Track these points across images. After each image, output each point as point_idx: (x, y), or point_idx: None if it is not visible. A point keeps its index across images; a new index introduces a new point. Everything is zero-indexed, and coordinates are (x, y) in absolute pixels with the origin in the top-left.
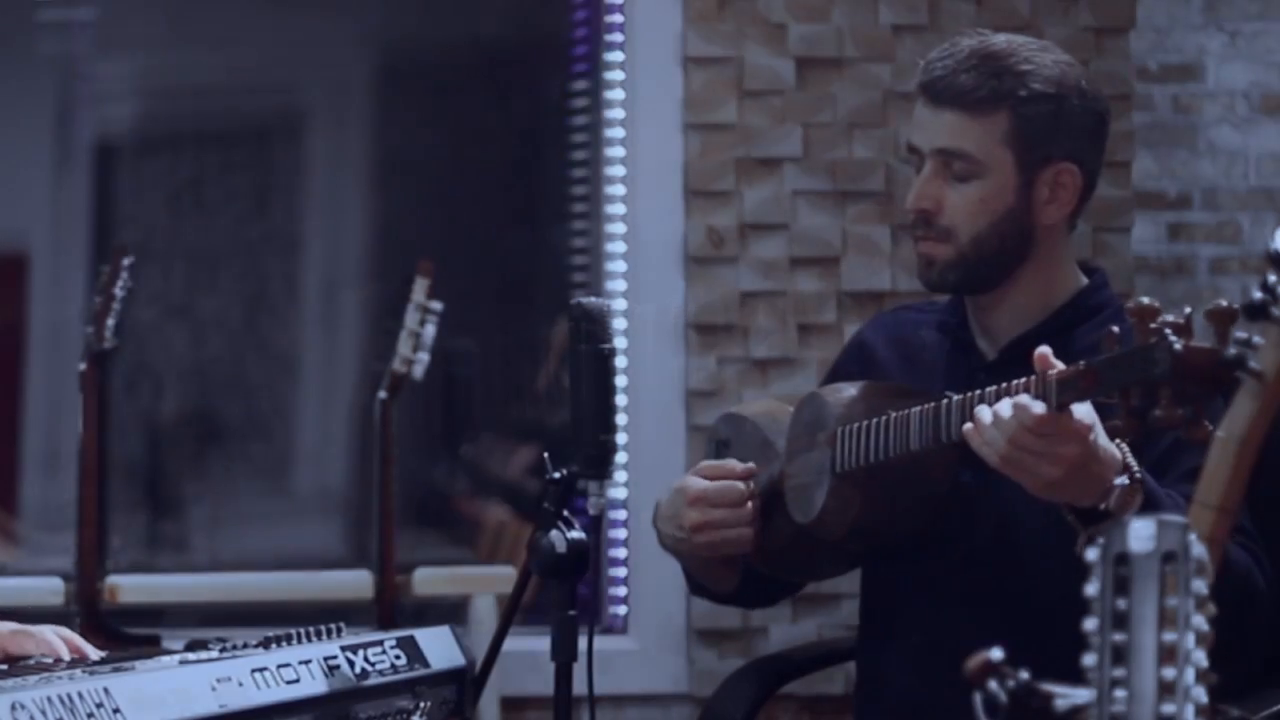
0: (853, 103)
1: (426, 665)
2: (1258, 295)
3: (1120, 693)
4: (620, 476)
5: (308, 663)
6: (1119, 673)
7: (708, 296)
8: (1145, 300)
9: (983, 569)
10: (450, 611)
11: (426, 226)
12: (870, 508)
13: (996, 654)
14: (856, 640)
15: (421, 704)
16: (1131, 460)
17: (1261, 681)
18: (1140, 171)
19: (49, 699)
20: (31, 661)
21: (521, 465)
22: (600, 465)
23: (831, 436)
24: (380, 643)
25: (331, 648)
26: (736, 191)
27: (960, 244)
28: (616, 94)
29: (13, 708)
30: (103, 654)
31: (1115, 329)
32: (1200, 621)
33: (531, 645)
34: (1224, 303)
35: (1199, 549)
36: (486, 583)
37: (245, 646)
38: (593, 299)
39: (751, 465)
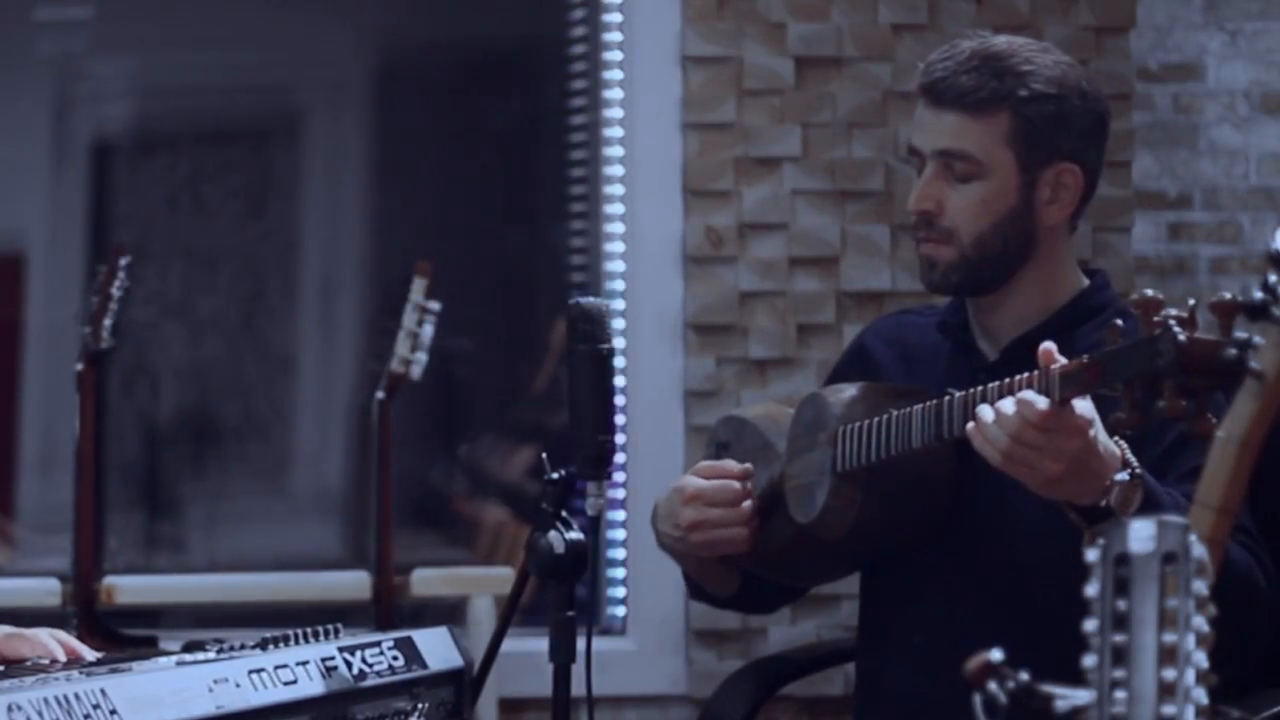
0: (852, 102)
1: (424, 666)
2: (1258, 295)
3: (1120, 694)
4: (619, 477)
5: (305, 664)
6: (1119, 674)
7: (707, 296)
8: (1149, 293)
9: (983, 569)
10: (448, 612)
11: (424, 226)
12: (872, 507)
13: (996, 655)
14: (856, 641)
15: (419, 705)
16: (1131, 457)
17: (1262, 682)
18: (1140, 171)
19: (46, 700)
20: (28, 664)
21: (520, 467)
22: (599, 466)
23: (832, 436)
24: (378, 644)
25: (329, 649)
26: (735, 191)
27: (962, 245)
28: (615, 93)
29: (9, 709)
30: (99, 655)
31: (1119, 322)
32: (1200, 622)
33: (530, 646)
34: (1228, 295)
35: (1199, 550)
36: (485, 583)
37: (242, 647)
38: (591, 299)
39: (749, 466)
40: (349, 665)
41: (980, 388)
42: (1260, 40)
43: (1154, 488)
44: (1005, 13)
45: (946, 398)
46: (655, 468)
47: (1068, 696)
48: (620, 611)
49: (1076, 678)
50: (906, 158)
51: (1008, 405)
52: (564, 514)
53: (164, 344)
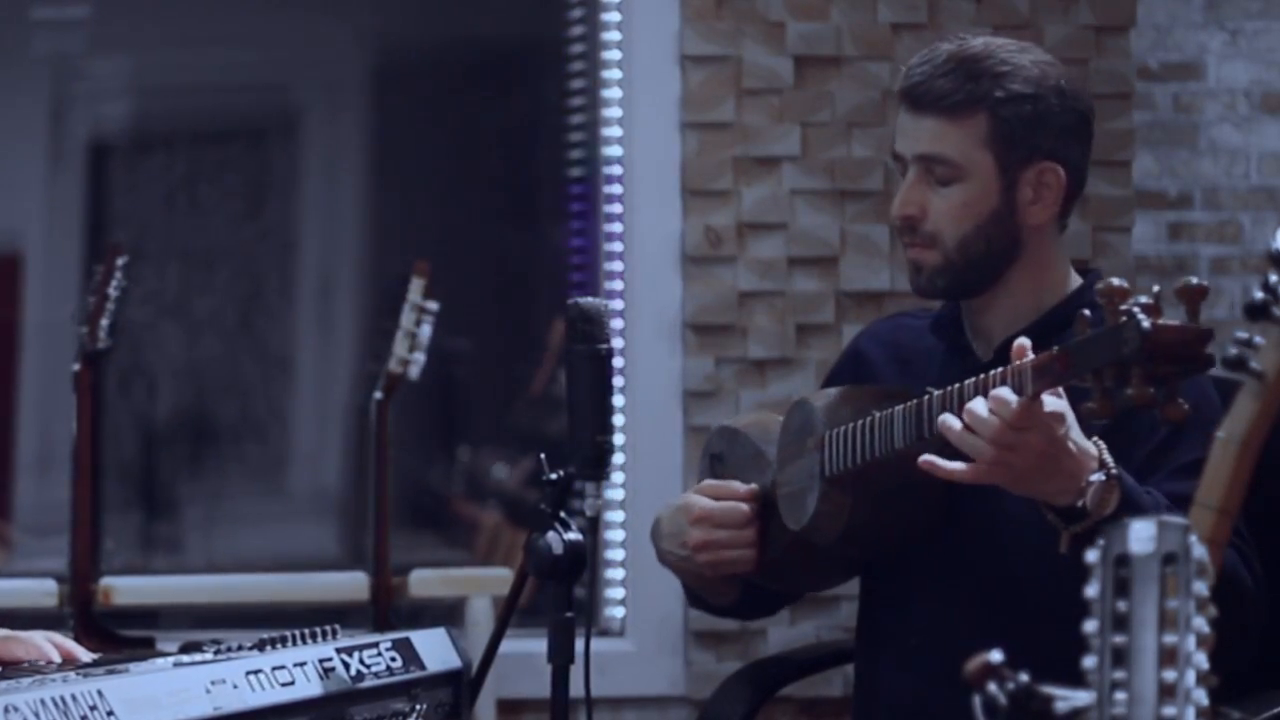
0: (852, 102)
1: (422, 667)
2: (1258, 295)
3: (1121, 695)
4: (617, 478)
5: (303, 665)
6: (1119, 675)
7: (705, 296)
8: (1115, 281)
9: (975, 569)
10: (446, 613)
11: (422, 226)
12: (862, 509)
13: (996, 656)
14: (855, 643)
15: (417, 706)
16: (1108, 458)
17: (1262, 683)
18: (1141, 171)
19: (42, 701)
20: (24, 665)
21: (517, 476)
22: (597, 466)
23: (820, 441)
24: (376, 645)
25: (327, 650)
26: (735, 191)
27: (947, 249)
28: (614, 93)
29: (6, 710)
30: (94, 657)
31: (1087, 312)
32: (1201, 623)
33: (528, 647)
34: (1194, 280)
35: (1199, 550)
36: (483, 584)
37: (240, 648)
38: (590, 299)
39: (755, 487)
40: (347, 666)
41: (958, 385)
42: (1261, 39)
43: (1132, 488)
44: (1005, 12)
45: (926, 397)
46: (654, 468)
47: (1068, 698)
48: (619, 612)
49: (1071, 677)
50: (892, 162)
51: (980, 407)
52: (562, 515)
53: (161, 344)
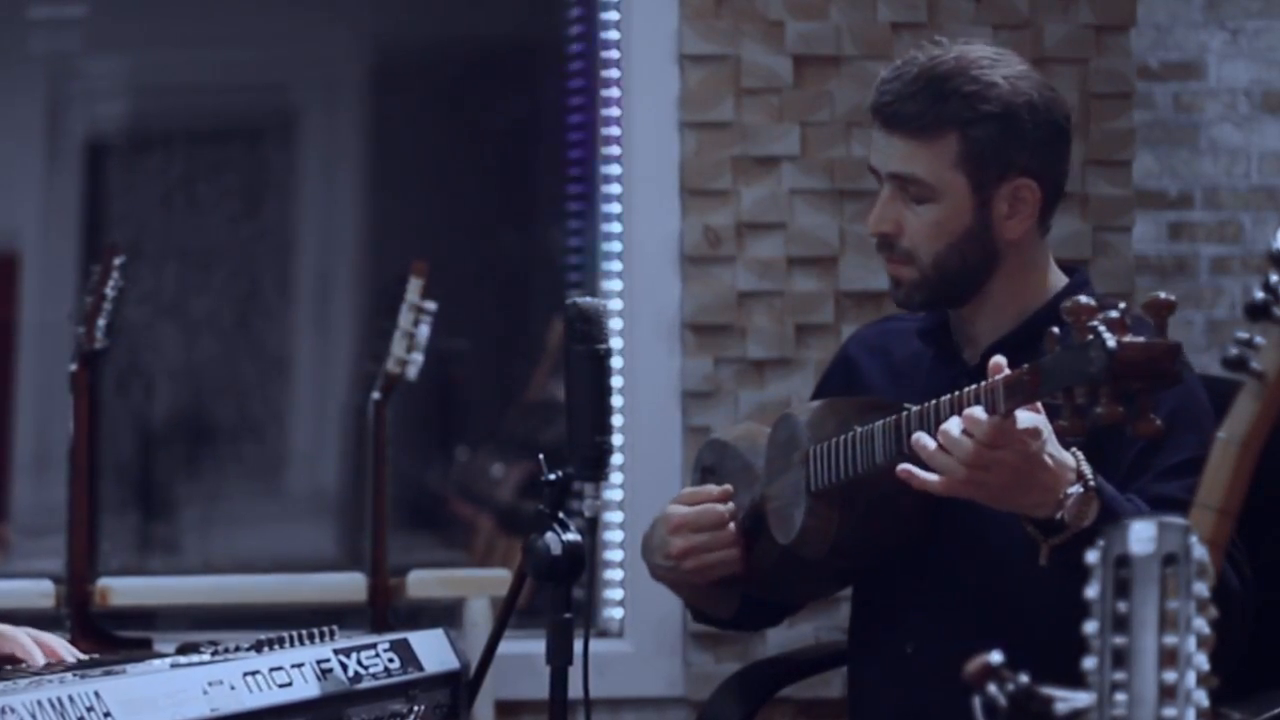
0: (851, 101)
1: (420, 668)
2: (1259, 295)
3: (1121, 696)
4: (616, 479)
5: (300, 666)
6: (1119, 676)
7: (704, 296)
8: (1082, 299)
9: (965, 578)
10: (444, 614)
11: (421, 226)
12: (849, 524)
13: (996, 657)
14: (847, 650)
15: (415, 708)
16: (1086, 469)
17: (1262, 683)
18: (1141, 170)
19: (39, 703)
20: (22, 666)
21: (510, 484)
22: (596, 467)
23: (805, 456)
24: (374, 646)
25: (324, 651)
26: (733, 190)
27: (923, 265)
28: (612, 92)
29: (3, 712)
30: (80, 657)
31: (1055, 330)
32: (1201, 624)
33: (526, 648)
34: (1161, 295)
35: (1200, 551)
36: (481, 585)
37: (237, 649)
38: (588, 299)
39: (728, 487)
40: (344, 667)
41: (933, 403)
42: (1261, 39)
43: (1111, 498)
44: (1004, 11)
45: (904, 413)
46: (653, 469)
47: (1068, 699)
48: (618, 613)
49: (1063, 683)
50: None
51: (954, 426)
52: (561, 515)
53: (158, 344)
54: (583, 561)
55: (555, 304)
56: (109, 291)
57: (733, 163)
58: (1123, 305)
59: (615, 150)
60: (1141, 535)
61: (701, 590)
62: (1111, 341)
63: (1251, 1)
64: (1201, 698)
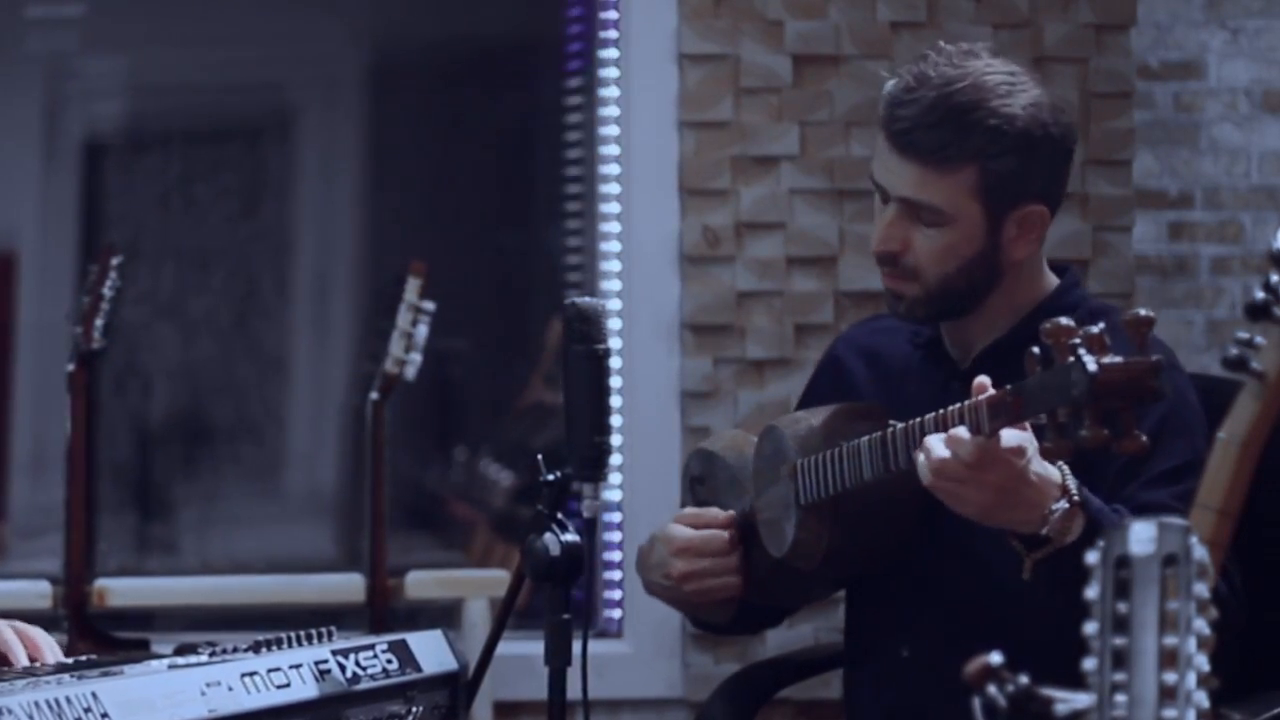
0: (850, 100)
1: (419, 669)
2: (1259, 295)
3: (1121, 697)
4: (615, 479)
5: (298, 667)
6: (1120, 677)
7: (703, 296)
8: (1062, 321)
9: (958, 585)
10: (443, 615)
11: (419, 226)
12: (839, 537)
13: (996, 658)
14: (843, 654)
15: (414, 709)
16: (1071, 483)
17: (1263, 684)
18: (1141, 170)
19: (36, 704)
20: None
21: (506, 491)
22: (595, 467)
23: (793, 469)
24: (372, 647)
25: (322, 652)
26: (733, 190)
27: (928, 284)
28: (611, 91)
29: None
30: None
31: (1035, 350)
32: (1202, 625)
33: (525, 649)
34: (1141, 312)
35: (1200, 552)
36: (479, 586)
37: (235, 650)
38: (587, 299)
39: (732, 514)
40: (343, 668)
41: (918, 420)
42: (1262, 38)
43: (1097, 511)
44: (1005, 10)
45: (890, 430)
46: (652, 469)
47: (1068, 700)
48: (616, 614)
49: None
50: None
51: (938, 447)
52: (559, 516)
53: (156, 344)
54: (581, 562)
55: (554, 304)
56: (106, 291)
57: (732, 162)
58: (1101, 325)
59: (614, 150)
60: (1142, 536)
61: (698, 605)
62: (1092, 365)
63: (1252, 1)
64: (1202, 698)
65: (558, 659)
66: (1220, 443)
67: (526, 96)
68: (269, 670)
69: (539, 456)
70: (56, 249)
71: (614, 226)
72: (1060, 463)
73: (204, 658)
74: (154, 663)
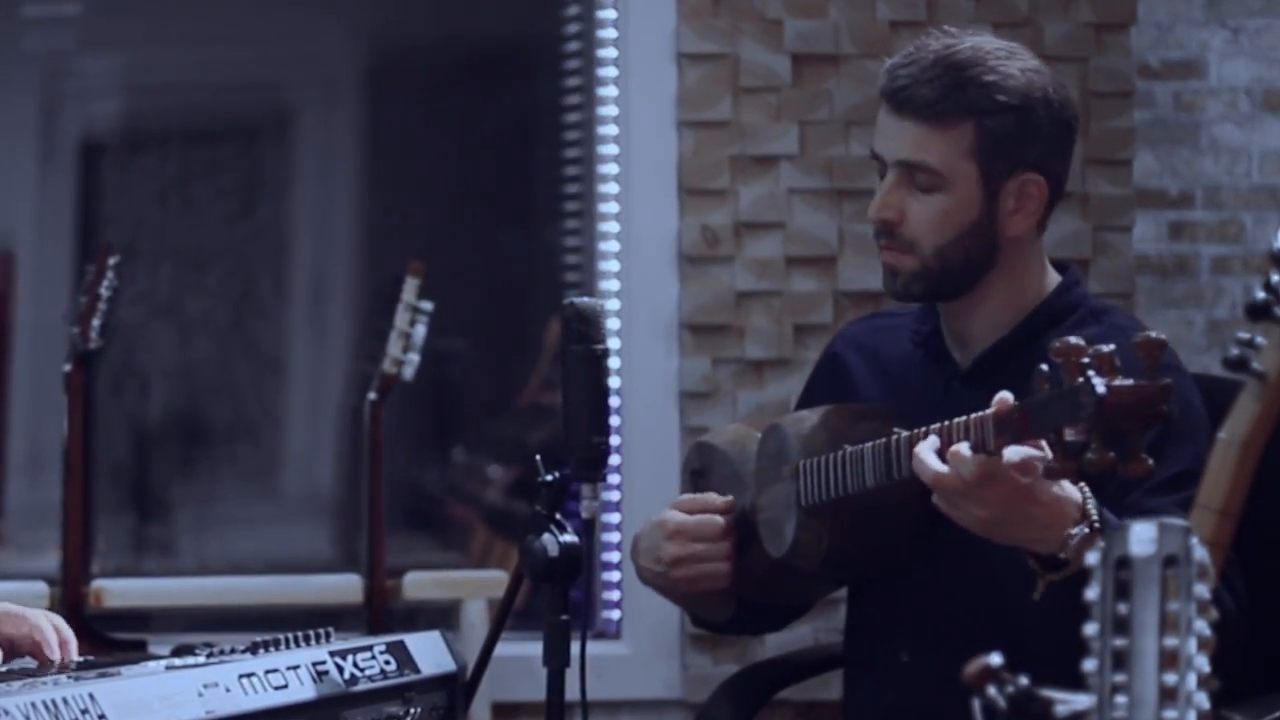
0: (850, 100)
1: (417, 671)
2: (1260, 295)
3: (1121, 698)
4: (613, 479)
5: (296, 668)
6: (1120, 678)
7: (702, 296)
8: (1072, 340)
9: (960, 591)
10: (441, 616)
11: (417, 225)
12: (841, 538)
13: (995, 659)
14: (843, 655)
15: (412, 710)
16: (1092, 507)
17: (1264, 685)
18: (1141, 169)
19: (33, 705)
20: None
21: (500, 485)
22: (593, 468)
23: (795, 469)
24: (370, 648)
25: (320, 653)
26: (731, 190)
27: (924, 255)
28: (610, 91)
29: None
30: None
31: (1044, 367)
32: (1202, 626)
33: (523, 650)
34: (1153, 334)
35: (1200, 553)
36: (478, 587)
37: (233, 652)
38: (586, 299)
39: (731, 499)
40: (340, 669)
41: (924, 429)
42: (1262, 37)
43: None
44: (1005, 9)
45: (894, 437)
46: (650, 470)
47: (1068, 701)
48: (615, 615)
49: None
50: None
51: (932, 460)
52: (558, 517)
53: (153, 344)
54: (580, 563)
55: (552, 304)
56: (104, 291)
57: (731, 162)
58: (1111, 346)
59: (613, 149)
60: (1142, 537)
61: (690, 597)
62: (1101, 387)
63: (1253, 0)
64: (1202, 700)
65: (556, 660)
66: (1221, 443)
67: (525, 96)
68: (267, 671)
69: (537, 457)
70: (53, 248)
71: (613, 226)
72: (1082, 485)
73: (201, 659)
74: (151, 664)
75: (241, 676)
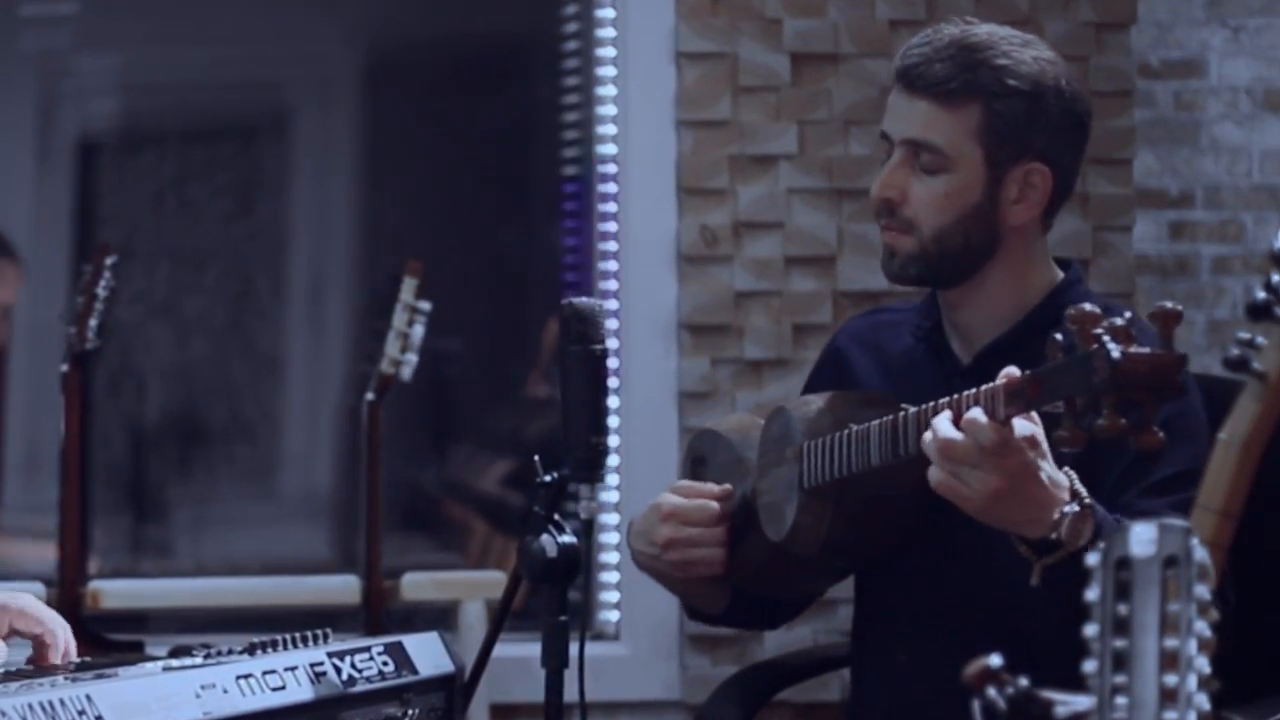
0: (849, 99)
1: (415, 672)
2: (1261, 295)
3: (1121, 699)
4: (612, 480)
5: (294, 669)
6: (1120, 679)
7: (701, 296)
8: (1087, 307)
9: (960, 587)
10: (439, 617)
11: (415, 225)
12: (841, 522)
13: (995, 660)
14: (850, 653)
15: (410, 711)
16: (1080, 487)
17: (1265, 687)
18: (1141, 169)
19: (30, 706)
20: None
21: (495, 478)
22: (592, 468)
23: (798, 451)
24: (367, 649)
25: (318, 654)
26: (730, 189)
27: (923, 237)
28: (608, 90)
29: None
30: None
31: (1059, 336)
32: (1203, 627)
33: (522, 651)
34: (1169, 304)
35: (1201, 553)
36: (476, 588)
37: (230, 653)
38: (584, 299)
39: (728, 486)
40: (338, 671)
41: (932, 404)
42: (1263, 36)
43: (1103, 519)
44: (1005, 8)
45: (901, 414)
46: (649, 470)
47: (1068, 702)
48: (614, 616)
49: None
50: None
51: (947, 427)
52: (556, 517)
53: (150, 344)
54: (578, 564)
55: (551, 304)
56: (100, 291)
57: (730, 161)
58: (1128, 314)
59: (611, 149)
60: (1142, 538)
61: (688, 584)
62: (1116, 352)
63: None
64: (1203, 701)
65: (555, 661)
66: (1221, 444)
67: (523, 95)
68: (264, 673)
69: (536, 458)
70: (50, 248)
71: (611, 226)
72: (1067, 469)
73: (199, 660)
74: (148, 665)
75: (239, 678)
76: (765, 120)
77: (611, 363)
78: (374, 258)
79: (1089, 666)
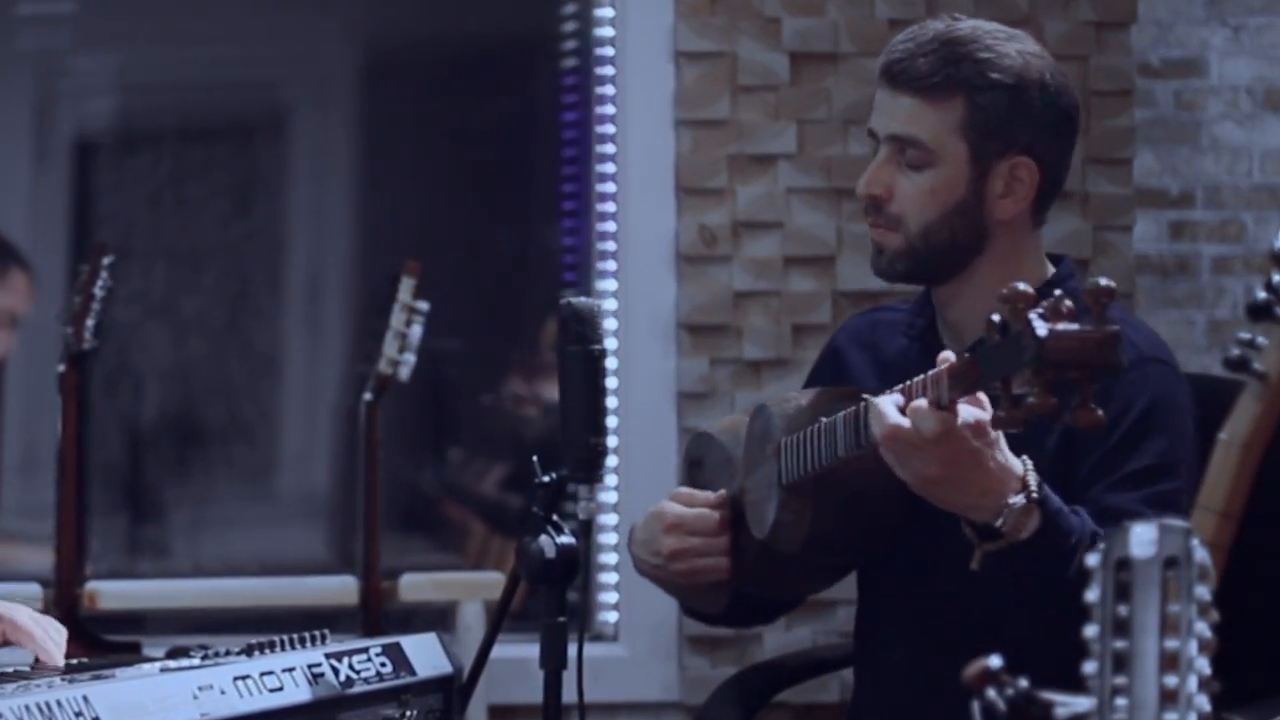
0: (848, 98)
1: (413, 673)
2: (1261, 295)
3: (1122, 700)
4: (611, 480)
5: (291, 670)
6: (1120, 680)
7: (700, 296)
8: (1020, 286)
9: (951, 589)
10: (437, 618)
11: (413, 225)
12: (823, 517)
13: (995, 661)
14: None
15: (408, 712)
16: (1032, 479)
17: (1266, 688)
18: (1142, 169)
19: (27, 707)
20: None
21: (494, 480)
22: (590, 469)
23: (776, 448)
24: (365, 650)
25: (316, 655)
26: (729, 189)
27: (909, 233)
28: (607, 90)
29: None
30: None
31: (996, 317)
32: (1203, 628)
33: (520, 652)
34: (1103, 281)
35: (1201, 554)
36: (474, 588)
37: (228, 654)
38: (583, 299)
39: (723, 493)
40: (336, 672)
41: (888, 392)
42: (1263, 36)
43: (1056, 512)
44: (1004, 7)
45: (863, 403)
46: (648, 471)
47: (1068, 703)
48: (612, 617)
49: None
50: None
51: (892, 412)
52: (555, 518)
53: (147, 345)
54: (577, 564)
55: (550, 304)
56: (97, 291)
57: (729, 161)
58: (1058, 293)
59: (610, 148)
60: (1143, 538)
61: (686, 588)
62: (1042, 330)
63: None
64: (1203, 702)
65: (553, 662)
66: (1221, 444)
67: (521, 95)
68: (262, 674)
69: (534, 458)
70: (47, 248)
71: (610, 225)
72: (1024, 457)
73: (196, 661)
74: (146, 666)
75: (236, 679)
76: (764, 120)
77: (610, 363)
78: (372, 258)
79: (1089, 667)
